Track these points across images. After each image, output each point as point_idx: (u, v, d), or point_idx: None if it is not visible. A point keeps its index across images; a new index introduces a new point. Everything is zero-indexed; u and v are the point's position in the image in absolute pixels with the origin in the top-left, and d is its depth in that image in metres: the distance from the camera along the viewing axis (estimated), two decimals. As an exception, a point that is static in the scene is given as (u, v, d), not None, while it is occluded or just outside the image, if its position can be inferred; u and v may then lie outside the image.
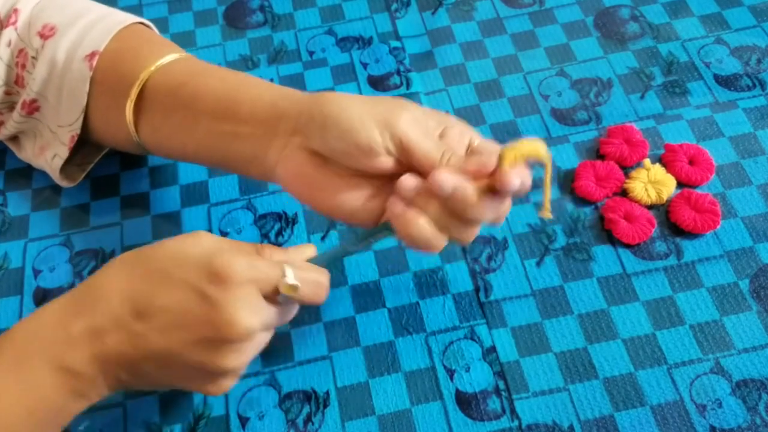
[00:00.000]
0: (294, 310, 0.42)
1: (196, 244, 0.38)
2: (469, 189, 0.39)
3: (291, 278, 0.39)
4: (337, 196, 0.42)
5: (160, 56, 0.47)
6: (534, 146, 0.39)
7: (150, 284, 0.38)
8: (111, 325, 0.37)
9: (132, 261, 0.39)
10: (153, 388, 0.45)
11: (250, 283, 0.37)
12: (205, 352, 0.37)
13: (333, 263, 0.44)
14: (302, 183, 0.42)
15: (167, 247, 0.39)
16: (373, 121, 0.40)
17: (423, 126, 0.41)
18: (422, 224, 0.40)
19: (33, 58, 0.49)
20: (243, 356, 0.39)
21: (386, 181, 0.42)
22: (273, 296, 0.39)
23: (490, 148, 0.41)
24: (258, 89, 0.45)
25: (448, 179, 0.39)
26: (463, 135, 0.42)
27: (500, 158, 0.39)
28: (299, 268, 0.40)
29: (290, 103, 0.43)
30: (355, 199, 0.41)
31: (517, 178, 0.39)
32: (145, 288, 0.38)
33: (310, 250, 0.43)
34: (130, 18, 0.50)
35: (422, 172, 0.40)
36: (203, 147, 0.46)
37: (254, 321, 0.37)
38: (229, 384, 0.40)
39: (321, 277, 0.41)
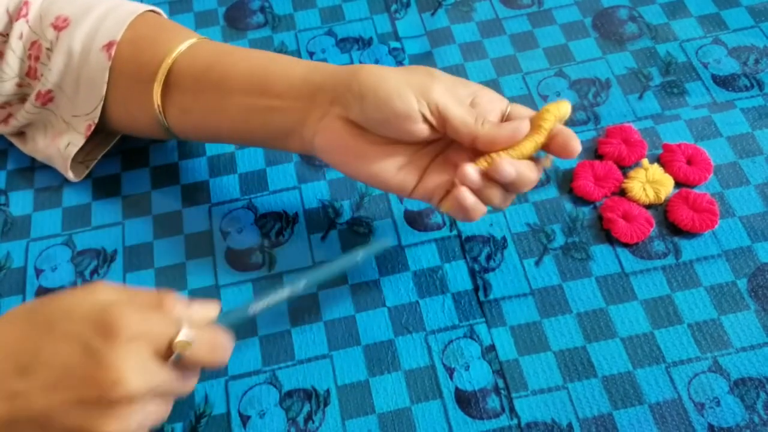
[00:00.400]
0: (194, 379, 0.39)
1: (89, 296, 0.36)
2: (532, 174, 0.43)
3: (185, 336, 0.36)
4: (373, 164, 0.44)
5: (180, 41, 0.48)
6: (565, 107, 0.43)
7: (35, 338, 0.35)
8: None
9: (23, 314, 0.37)
10: None
11: (141, 338, 0.35)
12: (85, 415, 0.33)
13: (241, 322, 0.42)
14: (340, 152, 0.44)
15: (59, 299, 0.36)
16: (410, 89, 0.41)
17: (456, 94, 0.43)
18: (484, 208, 0.43)
19: (48, 49, 0.50)
20: (126, 423, 0.34)
21: (419, 149, 0.44)
22: (167, 356, 0.36)
23: (522, 113, 0.44)
24: (289, 64, 0.46)
25: (510, 168, 0.41)
26: (493, 101, 0.44)
27: (536, 122, 0.42)
28: (198, 326, 0.37)
29: (325, 76, 0.44)
30: (390, 166, 0.44)
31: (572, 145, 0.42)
32: (30, 342, 0.35)
33: (213, 309, 0.41)
34: (142, 7, 0.51)
35: (458, 138, 0.42)
36: (238, 123, 0.47)
37: (141, 382, 0.34)
38: None
39: (220, 338, 0.39)
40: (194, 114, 0.48)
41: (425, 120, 0.42)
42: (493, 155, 0.42)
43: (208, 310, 0.40)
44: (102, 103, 0.49)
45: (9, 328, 0.36)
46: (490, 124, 0.42)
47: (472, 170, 0.42)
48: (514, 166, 0.41)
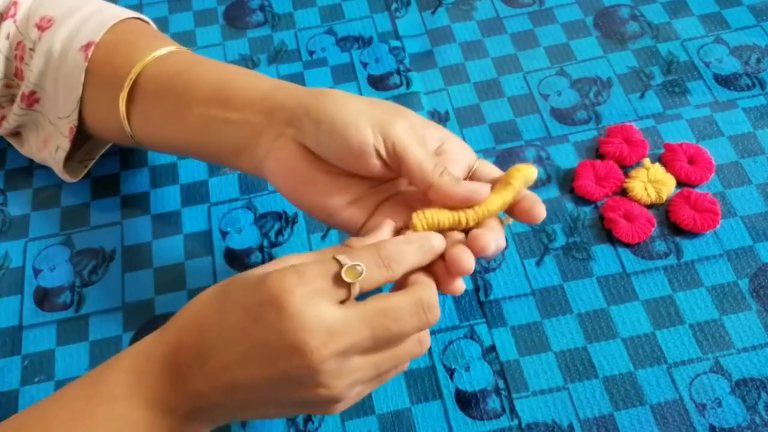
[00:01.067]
0: (415, 310, 0.35)
1: (263, 269, 0.35)
2: (502, 243, 0.39)
3: (348, 262, 0.34)
4: (323, 194, 0.41)
5: (155, 48, 0.47)
6: (532, 171, 0.40)
7: (218, 316, 0.35)
8: (198, 374, 0.34)
9: (215, 291, 0.36)
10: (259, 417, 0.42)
11: (310, 294, 0.33)
12: (298, 388, 0.33)
13: None
14: (290, 177, 0.41)
15: (243, 274, 0.35)
16: (369, 122, 0.39)
17: (419, 135, 0.40)
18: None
19: (30, 50, 0.49)
20: (341, 380, 0.33)
21: (374, 185, 0.41)
22: (348, 294, 0.34)
23: (489, 173, 0.41)
24: (254, 79, 0.44)
25: (491, 243, 0.38)
26: (461, 152, 0.41)
27: (504, 180, 0.39)
28: (359, 249, 0.35)
29: (287, 95, 0.42)
30: (340, 199, 0.41)
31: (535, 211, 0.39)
32: (213, 320, 0.35)
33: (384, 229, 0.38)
34: (127, 12, 0.51)
35: (412, 182, 0.39)
36: (193, 135, 0.45)
37: (329, 338, 0.32)
38: (340, 407, 0.36)
39: (400, 240, 0.36)
40: (154, 122, 0.46)
41: (379, 156, 0.39)
42: (459, 212, 0.39)
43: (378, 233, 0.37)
44: (78, 105, 0.48)
45: (198, 307, 0.35)
46: (450, 177, 0.38)
47: (468, 257, 0.37)
48: (495, 242, 0.38)
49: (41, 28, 0.49)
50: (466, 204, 0.39)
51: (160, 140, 0.47)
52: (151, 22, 0.53)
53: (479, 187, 0.39)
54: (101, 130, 0.51)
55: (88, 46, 0.48)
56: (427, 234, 0.37)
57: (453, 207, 0.39)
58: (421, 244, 0.37)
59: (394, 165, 0.39)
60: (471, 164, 0.42)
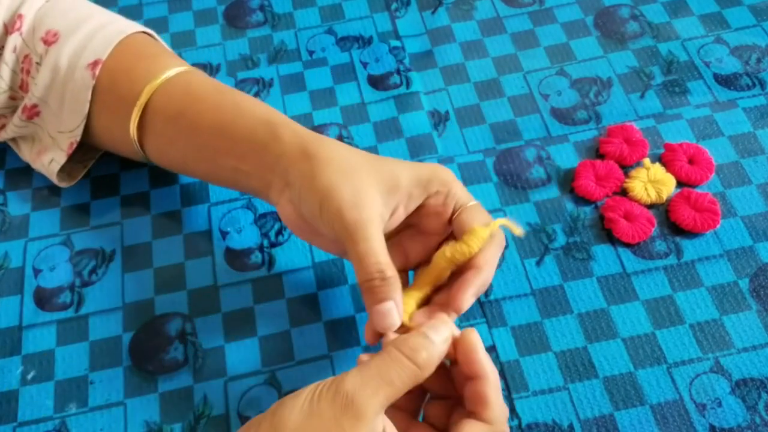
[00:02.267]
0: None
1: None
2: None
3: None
4: (330, 242, 0.44)
5: (154, 76, 0.47)
6: (484, 234, 0.41)
7: None
8: None
9: None
10: None
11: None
12: None
13: None
14: (297, 228, 0.44)
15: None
16: (330, 212, 0.40)
17: (377, 230, 0.40)
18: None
19: (37, 63, 0.49)
20: None
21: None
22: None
23: (468, 222, 0.42)
24: (252, 122, 0.45)
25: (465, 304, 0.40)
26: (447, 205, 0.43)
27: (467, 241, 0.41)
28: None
29: (280, 151, 0.43)
30: (342, 247, 0.41)
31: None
32: None
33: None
34: (131, 26, 0.51)
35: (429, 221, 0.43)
36: (212, 175, 0.48)
37: None
38: None
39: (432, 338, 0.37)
40: (172, 157, 0.49)
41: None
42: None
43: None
44: (84, 121, 0.49)
45: None
46: (373, 283, 0.39)
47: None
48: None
49: (47, 42, 0.49)
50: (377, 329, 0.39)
51: (180, 171, 0.51)
52: (155, 34, 0.53)
53: (385, 319, 0.39)
54: (112, 149, 0.53)
55: (95, 64, 0.48)
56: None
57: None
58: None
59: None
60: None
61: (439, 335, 0.36)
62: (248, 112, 0.46)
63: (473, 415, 0.36)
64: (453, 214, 0.43)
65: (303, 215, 0.42)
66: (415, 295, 0.41)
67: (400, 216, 0.42)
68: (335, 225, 0.40)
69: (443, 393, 0.39)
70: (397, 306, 0.39)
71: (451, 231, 0.44)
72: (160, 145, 0.48)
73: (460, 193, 0.43)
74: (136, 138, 0.48)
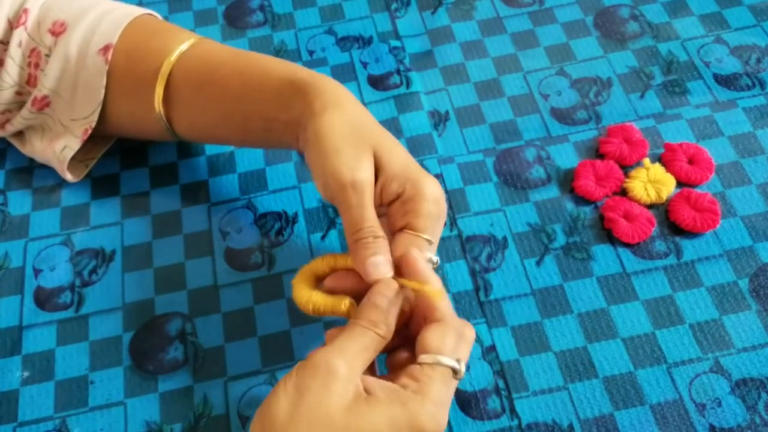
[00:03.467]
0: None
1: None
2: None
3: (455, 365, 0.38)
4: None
5: (172, 48, 0.48)
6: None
7: None
8: None
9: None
10: None
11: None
12: None
13: None
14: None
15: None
16: (328, 175, 0.41)
17: (369, 192, 0.41)
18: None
19: (46, 55, 0.50)
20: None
21: None
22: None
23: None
24: (276, 82, 0.46)
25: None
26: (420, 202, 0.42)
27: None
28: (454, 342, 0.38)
29: (299, 108, 0.44)
30: None
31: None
32: None
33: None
34: (137, 10, 0.51)
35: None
36: (242, 135, 0.48)
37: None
38: None
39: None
40: (201, 127, 0.49)
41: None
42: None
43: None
44: (100, 107, 0.49)
45: None
46: (365, 246, 0.40)
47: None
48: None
49: (55, 33, 0.49)
50: (366, 279, 0.40)
51: (209, 139, 0.52)
52: (158, 15, 0.53)
53: (378, 270, 0.40)
54: (130, 130, 0.53)
55: (106, 48, 0.48)
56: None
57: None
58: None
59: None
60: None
61: (384, 297, 0.39)
62: (272, 73, 0.46)
63: (427, 321, 0.39)
64: (403, 227, 0.42)
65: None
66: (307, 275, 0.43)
67: (390, 193, 0.43)
68: (333, 186, 0.41)
69: (403, 341, 0.41)
70: (387, 260, 0.40)
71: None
72: (189, 116, 0.49)
73: (424, 219, 0.41)
74: (163, 114, 0.49)
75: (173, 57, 0.48)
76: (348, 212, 0.41)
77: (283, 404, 0.35)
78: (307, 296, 0.41)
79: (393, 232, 0.42)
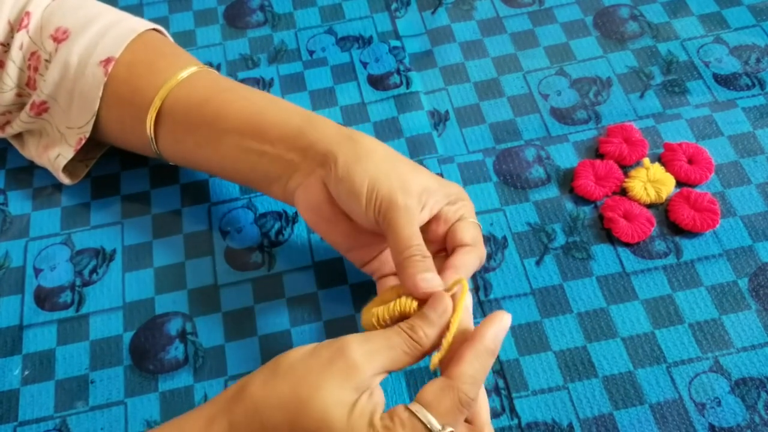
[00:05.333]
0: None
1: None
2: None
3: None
4: (340, 234, 0.45)
5: (177, 70, 0.48)
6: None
7: None
8: None
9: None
10: None
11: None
12: None
13: None
14: (315, 213, 0.45)
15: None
16: (379, 195, 0.41)
17: (413, 215, 0.41)
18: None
19: (46, 61, 0.50)
20: None
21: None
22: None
23: (461, 237, 0.43)
24: (286, 111, 0.46)
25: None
26: (456, 212, 0.44)
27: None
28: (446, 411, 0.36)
29: (319, 135, 0.44)
30: (355, 241, 0.45)
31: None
32: None
33: None
34: (144, 24, 0.51)
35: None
36: (228, 161, 0.47)
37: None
38: None
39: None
40: (186, 145, 0.48)
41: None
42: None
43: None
44: (94, 118, 0.49)
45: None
46: (416, 267, 0.39)
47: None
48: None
49: (57, 39, 0.49)
50: (416, 294, 0.39)
51: (191, 162, 0.50)
52: (166, 32, 0.53)
53: (429, 283, 0.39)
54: (123, 144, 0.53)
55: (107, 61, 0.48)
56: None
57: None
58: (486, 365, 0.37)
59: (384, 233, 0.42)
60: (464, 216, 0.44)
61: (437, 310, 0.38)
62: (281, 104, 0.47)
63: (444, 372, 0.37)
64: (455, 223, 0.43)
65: (337, 195, 0.43)
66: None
67: (425, 216, 0.43)
68: (382, 206, 0.41)
69: None
70: (436, 276, 0.40)
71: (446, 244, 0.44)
72: (177, 133, 0.48)
73: (469, 207, 0.44)
74: (152, 127, 0.48)
75: (177, 78, 0.48)
76: (397, 232, 0.40)
77: (295, 356, 0.36)
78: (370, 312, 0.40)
79: (434, 240, 0.44)
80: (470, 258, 0.42)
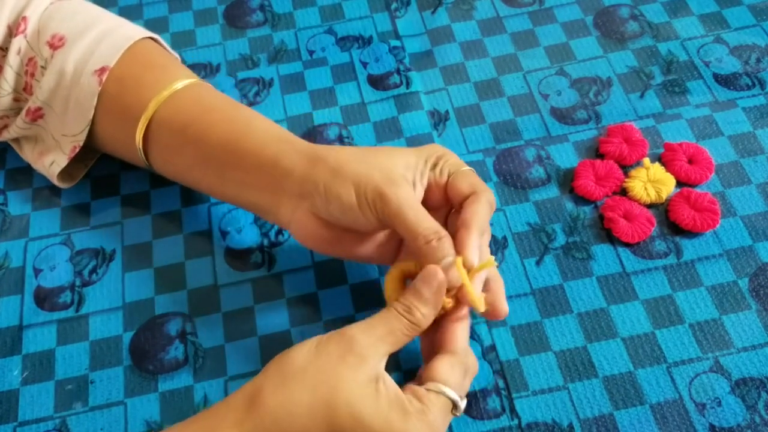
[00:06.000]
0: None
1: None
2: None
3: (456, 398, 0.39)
4: (351, 248, 0.44)
5: (165, 85, 0.48)
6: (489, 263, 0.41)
7: None
8: None
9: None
10: None
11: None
12: None
13: None
14: (316, 240, 0.44)
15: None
16: (363, 195, 0.41)
17: (410, 197, 0.41)
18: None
19: (42, 67, 0.49)
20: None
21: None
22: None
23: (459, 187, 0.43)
24: (261, 138, 0.45)
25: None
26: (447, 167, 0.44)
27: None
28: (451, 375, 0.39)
29: (293, 161, 0.43)
30: (369, 246, 0.44)
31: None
32: None
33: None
34: (139, 32, 0.51)
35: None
36: (216, 187, 0.47)
37: None
38: None
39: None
40: (176, 167, 0.49)
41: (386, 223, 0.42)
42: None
43: None
44: (88, 127, 0.49)
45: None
46: (436, 249, 0.40)
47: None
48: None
49: (53, 46, 0.49)
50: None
51: (183, 181, 0.50)
52: (161, 40, 0.53)
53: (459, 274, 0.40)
54: (116, 154, 0.53)
55: (102, 70, 0.48)
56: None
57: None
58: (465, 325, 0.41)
59: (395, 229, 0.42)
60: (456, 169, 0.44)
61: (432, 288, 0.39)
62: (259, 128, 0.46)
63: (443, 349, 0.40)
64: (448, 180, 0.43)
65: (331, 216, 0.42)
66: (396, 274, 0.43)
67: (420, 192, 0.43)
68: (377, 205, 0.41)
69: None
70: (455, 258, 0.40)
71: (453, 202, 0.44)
72: (165, 155, 0.48)
73: (452, 160, 0.44)
74: (141, 148, 0.48)
75: (163, 94, 0.47)
76: (402, 223, 0.40)
77: (301, 356, 0.37)
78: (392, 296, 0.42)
79: (437, 207, 0.44)
80: (478, 206, 0.41)
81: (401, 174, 0.42)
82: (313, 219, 0.43)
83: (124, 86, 0.48)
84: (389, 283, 0.42)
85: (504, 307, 0.42)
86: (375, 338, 0.37)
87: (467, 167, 0.44)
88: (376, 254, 0.45)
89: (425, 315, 0.39)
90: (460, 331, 0.41)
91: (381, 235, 0.45)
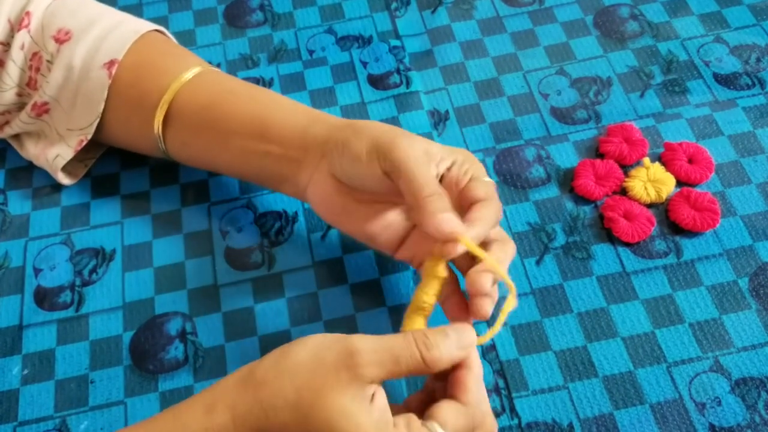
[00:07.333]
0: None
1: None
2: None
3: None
4: (359, 222, 0.44)
5: (182, 71, 0.48)
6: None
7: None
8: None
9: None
10: None
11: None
12: None
13: None
14: (328, 206, 0.45)
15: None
16: (375, 147, 0.41)
17: (421, 155, 0.40)
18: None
19: (48, 62, 0.50)
20: None
21: (404, 211, 0.44)
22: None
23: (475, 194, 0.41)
24: (288, 111, 0.46)
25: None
26: (467, 173, 0.42)
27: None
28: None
29: (320, 129, 0.44)
30: (376, 226, 0.44)
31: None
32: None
33: None
34: (146, 25, 0.51)
35: (406, 200, 0.40)
36: (236, 162, 0.48)
37: None
38: None
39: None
40: (194, 147, 0.49)
41: (389, 176, 0.41)
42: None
43: None
44: (98, 120, 0.49)
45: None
46: (436, 203, 0.39)
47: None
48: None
49: (59, 40, 0.49)
50: (438, 236, 0.39)
51: (200, 163, 0.51)
52: (169, 33, 0.53)
53: (457, 228, 0.38)
54: (128, 145, 0.53)
55: (111, 63, 0.48)
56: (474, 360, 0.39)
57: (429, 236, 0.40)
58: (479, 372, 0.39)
59: (397, 183, 0.41)
60: (474, 176, 0.43)
61: (461, 341, 0.38)
62: (288, 104, 0.47)
63: (452, 397, 0.38)
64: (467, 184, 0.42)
65: (343, 174, 0.42)
66: (420, 316, 0.41)
67: (432, 172, 0.42)
68: (386, 155, 0.40)
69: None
70: (456, 215, 0.39)
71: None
72: (184, 136, 0.48)
73: (478, 168, 0.43)
74: (160, 133, 0.48)
75: (180, 81, 0.48)
76: (407, 174, 0.39)
77: (301, 354, 0.36)
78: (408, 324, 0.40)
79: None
80: (487, 211, 0.40)
81: (423, 147, 0.41)
82: (330, 181, 0.44)
83: (139, 73, 0.49)
84: (411, 314, 0.40)
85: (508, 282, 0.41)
86: (376, 362, 0.35)
87: (489, 179, 0.44)
88: (383, 235, 0.44)
89: (439, 361, 0.36)
90: (469, 383, 0.38)
91: (390, 216, 0.44)
